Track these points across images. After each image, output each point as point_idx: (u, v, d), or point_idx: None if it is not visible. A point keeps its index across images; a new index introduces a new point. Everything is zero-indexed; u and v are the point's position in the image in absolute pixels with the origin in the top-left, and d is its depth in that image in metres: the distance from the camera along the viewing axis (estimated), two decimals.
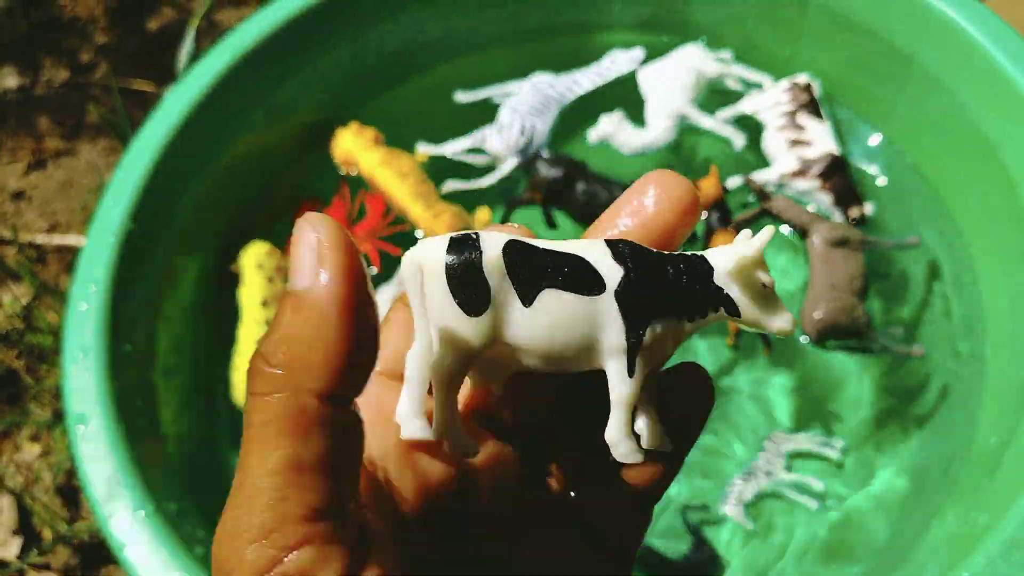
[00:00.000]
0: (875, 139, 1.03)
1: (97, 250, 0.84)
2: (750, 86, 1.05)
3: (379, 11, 1.04)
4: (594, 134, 0.99)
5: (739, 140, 1.01)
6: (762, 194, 0.91)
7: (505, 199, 0.99)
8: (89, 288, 0.82)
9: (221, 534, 0.25)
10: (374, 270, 0.96)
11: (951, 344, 0.91)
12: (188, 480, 0.81)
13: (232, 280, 0.96)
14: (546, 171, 0.93)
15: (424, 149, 1.02)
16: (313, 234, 0.24)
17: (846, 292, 0.85)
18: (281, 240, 1.01)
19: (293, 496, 0.24)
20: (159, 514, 0.72)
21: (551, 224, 1.01)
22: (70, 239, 1.24)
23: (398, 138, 1.02)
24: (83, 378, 0.78)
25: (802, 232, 0.90)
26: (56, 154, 1.38)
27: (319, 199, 1.02)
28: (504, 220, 0.98)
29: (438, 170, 1.02)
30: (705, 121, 1.01)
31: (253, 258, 0.94)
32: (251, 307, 0.92)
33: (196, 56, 1.00)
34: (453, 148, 1.02)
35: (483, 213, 0.99)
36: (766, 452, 0.90)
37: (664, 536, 0.88)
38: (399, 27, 1.07)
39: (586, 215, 0.92)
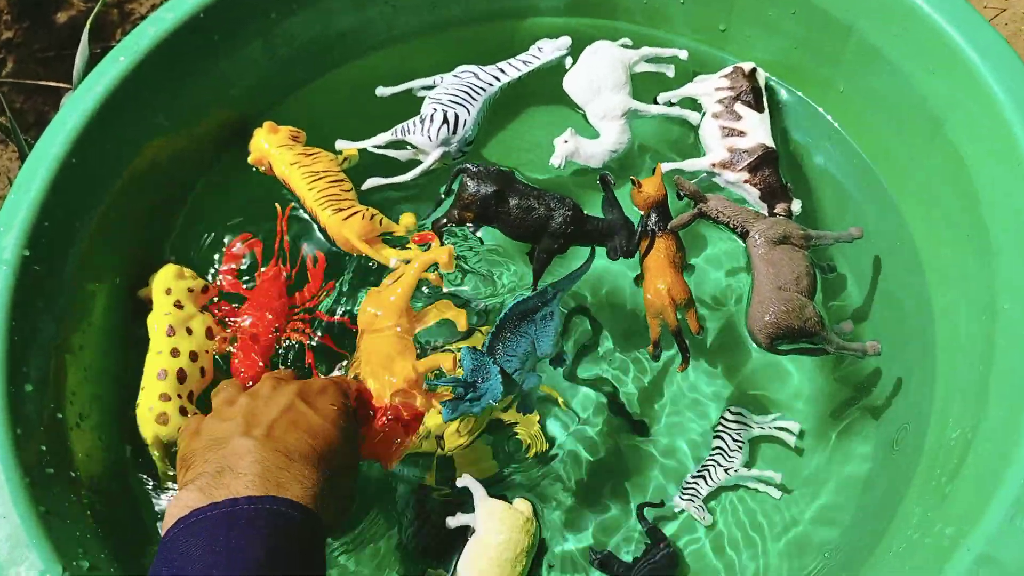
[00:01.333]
0: (817, 118, 0.99)
1: None
2: (664, 63, 1.00)
3: (286, 4, 0.98)
4: (556, 159, 0.94)
5: (695, 118, 0.97)
6: (695, 196, 0.86)
7: (430, 224, 0.91)
8: None
9: None
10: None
11: (903, 339, 0.88)
12: (103, 532, 0.74)
13: (144, 307, 0.90)
14: (475, 187, 0.85)
15: (342, 145, 0.96)
16: None
17: (794, 292, 0.80)
18: (199, 259, 0.96)
19: None
20: (67, 575, 0.66)
21: (480, 240, 0.96)
22: None
23: (320, 136, 0.96)
24: None
25: (741, 232, 0.85)
26: None
27: (251, 235, 0.95)
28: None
29: (364, 168, 0.96)
30: (653, 109, 0.98)
31: (161, 282, 0.88)
32: (156, 337, 0.86)
33: (92, 59, 0.92)
34: (374, 142, 0.96)
35: (407, 218, 0.92)
36: (721, 439, 0.87)
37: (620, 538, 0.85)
38: (311, 18, 1.00)
39: (521, 231, 0.86)
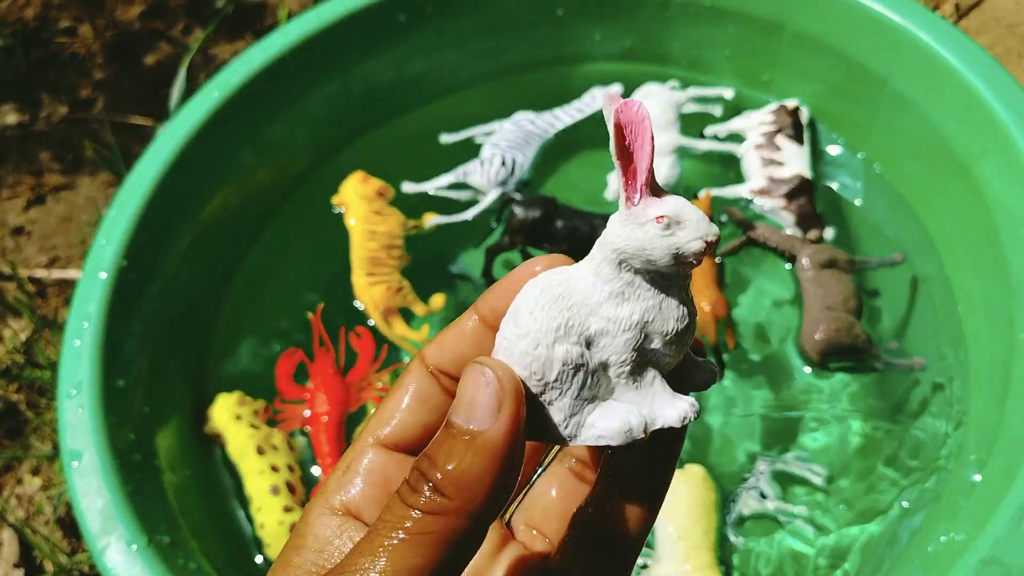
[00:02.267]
0: (855, 160, 1.05)
1: (90, 287, 0.86)
2: (710, 103, 1.08)
3: (364, 49, 1.07)
4: (610, 193, 1.03)
5: (739, 150, 1.04)
6: (745, 224, 0.92)
7: (484, 251, 0.99)
8: (82, 324, 0.84)
9: None
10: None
11: (936, 361, 0.92)
12: (182, 511, 0.82)
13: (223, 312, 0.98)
14: (523, 213, 0.94)
15: (408, 188, 1.04)
16: (491, 377, 0.28)
17: (842, 312, 0.86)
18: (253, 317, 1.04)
19: None
20: (152, 547, 0.74)
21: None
22: (70, 273, 1.26)
23: (383, 177, 1.03)
24: (76, 413, 0.79)
25: (789, 257, 0.91)
26: (55, 189, 1.41)
27: (298, 349, 0.95)
28: (486, 270, 0.98)
29: (424, 206, 1.03)
30: (703, 144, 1.04)
31: (225, 412, 0.91)
32: (248, 461, 0.88)
33: (188, 93, 1.01)
34: (436, 184, 1.04)
35: (437, 299, 0.97)
36: (756, 472, 0.91)
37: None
38: (382, 65, 1.09)
39: (565, 249, 0.94)
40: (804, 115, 1.02)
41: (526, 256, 0.98)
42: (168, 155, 0.94)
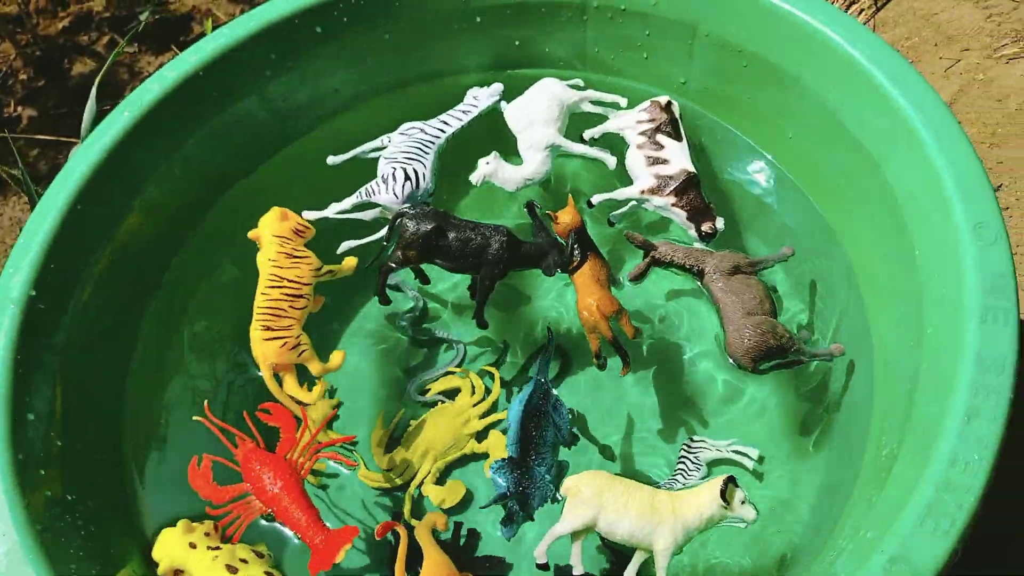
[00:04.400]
0: (764, 160, 1.07)
1: None
2: (607, 107, 1.07)
3: (275, 66, 1.05)
4: (475, 177, 1.01)
5: (611, 161, 1.04)
6: (646, 246, 0.93)
7: (376, 269, 0.96)
8: None
9: None
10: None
11: (845, 362, 0.94)
12: (95, 550, 0.80)
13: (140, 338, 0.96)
14: (415, 227, 0.91)
15: (308, 215, 1.00)
16: None
17: (761, 315, 0.87)
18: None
19: None
20: None
21: (425, 280, 1.02)
22: None
23: (282, 204, 0.98)
24: None
25: (695, 271, 0.92)
26: None
27: (206, 456, 0.89)
28: (381, 289, 0.96)
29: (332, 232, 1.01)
30: (575, 147, 1.04)
31: (176, 546, 0.85)
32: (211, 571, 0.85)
33: (101, 115, 0.99)
34: (339, 208, 1.01)
35: (336, 357, 0.93)
36: (683, 462, 0.92)
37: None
38: (295, 82, 1.08)
39: (462, 262, 0.92)
40: (676, 108, 1.02)
41: (418, 274, 0.97)
42: (78, 180, 0.92)
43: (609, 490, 0.81)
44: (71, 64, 1.63)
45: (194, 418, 0.89)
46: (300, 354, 0.90)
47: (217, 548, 0.84)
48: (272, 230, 0.94)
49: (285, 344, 0.89)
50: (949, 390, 0.69)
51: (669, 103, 1.02)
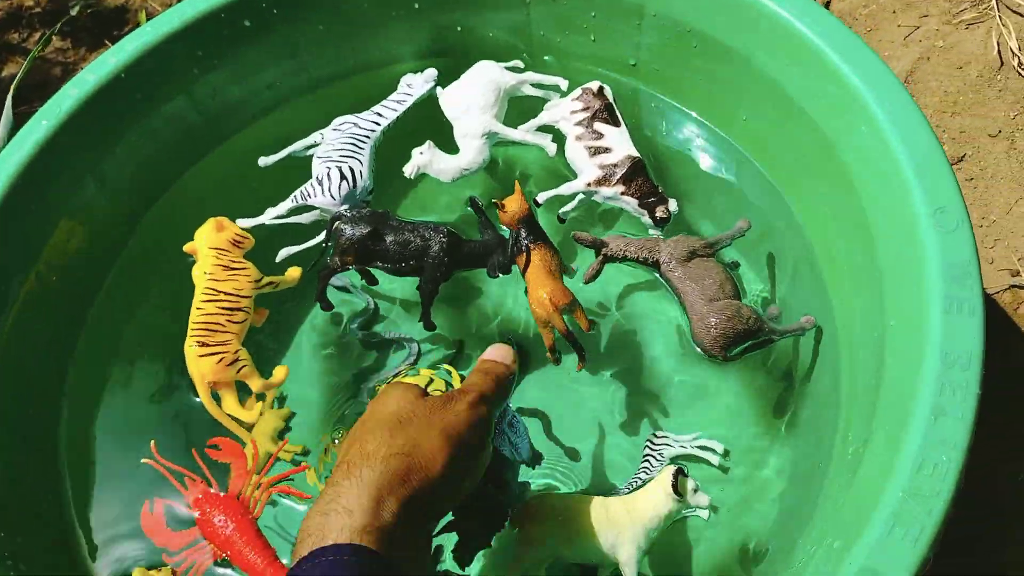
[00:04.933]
0: (724, 142, 1.03)
1: None
2: (547, 89, 1.03)
3: (205, 63, 1.00)
4: (408, 169, 0.97)
5: (551, 148, 0.99)
6: (596, 244, 0.89)
7: (316, 273, 0.92)
8: None
9: None
10: None
11: (810, 353, 0.91)
12: None
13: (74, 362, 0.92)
14: (351, 231, 0.87)
15: (243, 223, 0.94)
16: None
17: (724, 299, 0.84)
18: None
19: None
20: None
21: (372, 281, 0.97)
22: None
23: (216, 212, 0.94)
24: None
25: (651, 262, 0.88)
26: None
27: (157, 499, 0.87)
28: (320, 294, 0.92)
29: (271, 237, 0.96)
30: (514, 134, 0.99)
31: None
32: None
33: (18, 124, 0.94)
34: (275, 213, 0.95)
35: (279, 372, 0.90)
36: (648, 459, 0.89)
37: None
38: (223, 79, 1.03)
39: (402, 265, 0.88)
40: (609, 93, 0.98)
41: (365, 275, 0.93)
42: None
43: (555, 516, 0.78)
44: (1, 64, 1.56)
45: (143, 460, 0.85)
46: (239, 370, 0.86)
47: None
48: (208, 242, 0.89)
49: (222, 360, 0.85)
50: (914, 387, 0.66)
51: (601, 88, 0.98)
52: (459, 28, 1.07)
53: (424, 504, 0.62)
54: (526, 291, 0.90)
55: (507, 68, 1.02)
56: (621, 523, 0.77)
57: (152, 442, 0.86)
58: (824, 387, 0.87)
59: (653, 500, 0.78)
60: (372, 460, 0.62)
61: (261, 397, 0.89)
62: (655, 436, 0.91)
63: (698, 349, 0.84)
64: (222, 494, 0.85)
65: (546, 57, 1.09)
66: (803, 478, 0.85)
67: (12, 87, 1.15)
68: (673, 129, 1.05)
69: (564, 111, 0.98)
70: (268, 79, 1.06)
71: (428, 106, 1.03)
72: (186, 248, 0.91)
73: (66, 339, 0.96)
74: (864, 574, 0.60)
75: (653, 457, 0.90)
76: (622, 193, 0.93)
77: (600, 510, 0.78)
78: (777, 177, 0.97)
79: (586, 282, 0.91)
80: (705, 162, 1.03)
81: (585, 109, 0.97)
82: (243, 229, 0.93)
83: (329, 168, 0.94)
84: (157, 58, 0.96)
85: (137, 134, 0.99)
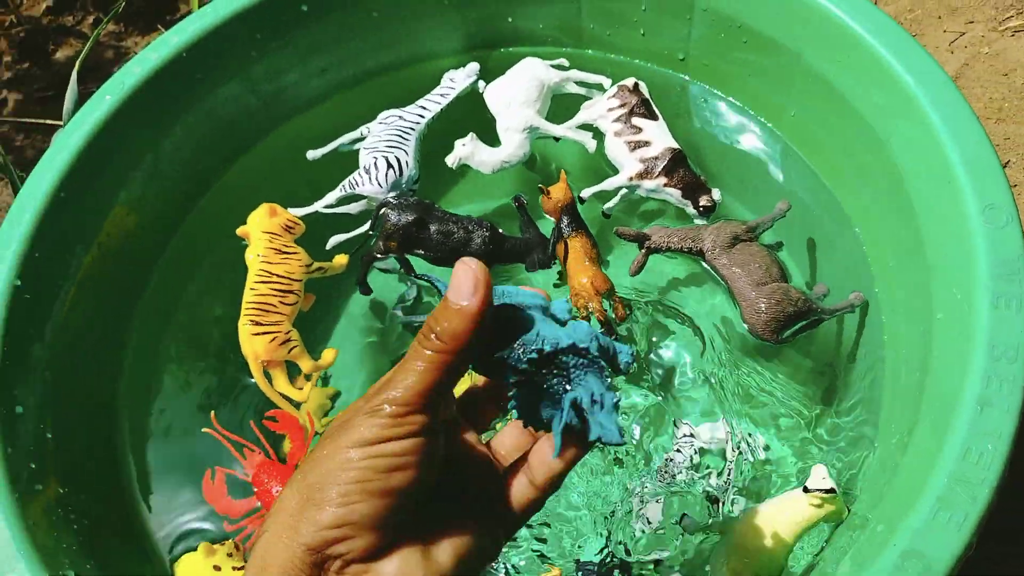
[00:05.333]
0: (769, 134, 1.04)
1: None
2: (590, 88, 1.05)
3: (262, 46, 1.02)
4: (451, 159, 0.99)
5: (591, 144, 1.01)
6: (640, 237, 0.91)
7: (359, 258, 0.95)
8: None
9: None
10: None
11: (855, 346, 0.92)
12: (90, 542, 0.78)
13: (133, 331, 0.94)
14: (396, 218, 0.90)
15: (295, 211, 0.97)
16: (472, 269, 0.45)
17: (772, 282, 0.85)
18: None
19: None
20: None
21: (409, 270, 0.99)
22: None
23: (269, 197, 0.97)
24: None
25: (695, 251, 0.90)
26: None
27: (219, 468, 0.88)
28: (362, 278, 0.96)
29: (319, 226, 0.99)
30: (555, 130, 1.02)
31: (202, 572, 0.82)
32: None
33: (84, 98, 0.97)
34: (324, 203, 0.98)
35: (328, 354, 0.93)
36: (678, 452, 0.90)
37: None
38: (284, 61, 1.05)
39: (443, 255, 0.91)
40: (644, 88, 1.00)
41: (403, 263, 0.95)
42: (61, 166, 0.89)
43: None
44: (56, 46, 1.60)
45: (203, 430, 0.87)
46: (290, 350, 0.89)
47: (242, 567, 0.82)
48: (261, 226, 0.92)
49: (274, 340, 0.87)
50: (961, 379, 0.67)
51: (636, 84, 1.00)
52: (510, 19, 1.09)
53: None
54: (556, 283, 0.93)
55: (552, 66, 1.04)
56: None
57: (212, 413, 0.88)
58: (867, 380, 0.88)
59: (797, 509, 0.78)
60: None
61: (308, 378, 0.92)
62: (686, 426, 0.92)
63: (750, 334, 0.85)
64: (284, 464, 0.88)
65: (590, 51, 1.10)
66: (845, 467, 0.86)
67: (77, 63, 1.18)
68: (721, 122, 1.06)
69: (601, 109, 1.00)
70: (322, 64, 1.08)
71: (471, 100, 1.05)
72: (239, 231, 0.94)
73: (124, 310, 0.99)
74: (909, 556, 0.61)
75: (686, 448, 0.90)
76: (665, 185, 0.95)
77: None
78: (825, 171, 0.98)
79: (632, 274, 0.92)
80: (752, 155, 1.04)
81: (622, 106, 0.99)
82: (295, 216, 0.96)
83: (376, 158, 0.97)
84: (217, 39, 0.98)
85: (196, 114, 1.01)
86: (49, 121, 1.47)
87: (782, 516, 0.78)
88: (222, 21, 0.98)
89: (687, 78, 1.07)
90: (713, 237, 0.89)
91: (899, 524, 0.63)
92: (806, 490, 0.77)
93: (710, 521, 0.85)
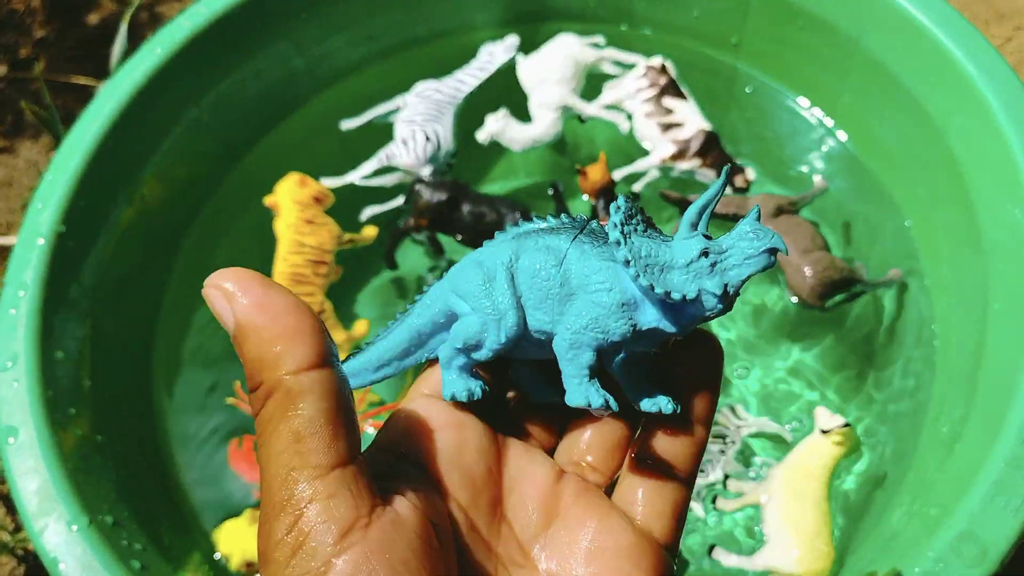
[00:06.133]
0: (823, 125, 1.03)
1: (25, 254, 0.81)
2: (626, 68, 1.04)
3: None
4: (482, 134, 0.98)
5: (624, 124, 1.01)
6: (681, 202, 0.92)
7: (388, 231, 0.95)
8: (18, 293, 0.79)
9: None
10: None
11: (904, 335, 0.91)
12: (126, 489, 0.78)
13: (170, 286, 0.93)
14: (429, 195, 0.90)
15: (328, 182, 0.97)
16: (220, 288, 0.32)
17: (817, 250, 0.86)
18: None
19: (297, 464, 0.30)
20: (94, 527, 0.70)
21: (439, 250, 0.98)
22: (9, 240, 1.21)
23: (305, 164, 0.98)
24: (11, 388, 0.75)
25: (739, 219, 0.89)
26: None
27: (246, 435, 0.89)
28: (389, 252, 0.95)
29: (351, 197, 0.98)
30: (588, 109, 1.01)
31: (247, 537, 0.81)
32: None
33: (131, 51, 0.96)
34: (360, 173, 0.97)
35: (361, 325, 0.93)
36: (723, 440, 0.90)
37: None
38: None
39: (473, 237, 0.90)
40: (672, 70, 1.00)
41: (433, 241, 0.94)
42: (108, 116, 0.89)
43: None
44: (89, 7, 1.59)
45: (227, 400, 0.87)
46: (324, 322, 0.87)
47: None
48: (291, 196, 0.92)
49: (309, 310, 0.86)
50: (1018, 367, 0.67)
51: (664, 65, 0.99)
52: None
53: None
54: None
55: (588, 44, 1.03)
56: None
57: (236, 383, 0.88)
58: (917, 367, 0.87)
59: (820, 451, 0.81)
60: None
61: (339, 349, 0.91)
62: (732, 413, 0.91)
63: (795, 300, 0.86)
64: None
65: (647, 31, 1.09)
66: (892, 456, 0.85)
67: (127, 17, 1.17)
68: (771, 108, 1.05)
69: (629, 90, 0.99)
70: (369, 30, 1.07)
71: (503, 76, 1.04)
72: (266, 201, 0.93)
73: (163, 259, 0.99)
74: (964, 538, 0.61)
75: (731, 433, 0.90)
76: (700, 166, 0.94)
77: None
78: (874, 159, 0.98)
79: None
80: (794, 140, 1.04)
81: (652, 86, 0.98)
82: (325, 187, 0.95)
83: (414, 130, 0.96)
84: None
85: (243, 72, 1.01)
86: (82, 81, 1.46)
87: (810, 461, 0.81)
88: None
89: (737, 63, 1.06)
90: (759, 205, 0.89)
91: (955, 507, 0.63)
92: (824, 432, 0.79)
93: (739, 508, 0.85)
